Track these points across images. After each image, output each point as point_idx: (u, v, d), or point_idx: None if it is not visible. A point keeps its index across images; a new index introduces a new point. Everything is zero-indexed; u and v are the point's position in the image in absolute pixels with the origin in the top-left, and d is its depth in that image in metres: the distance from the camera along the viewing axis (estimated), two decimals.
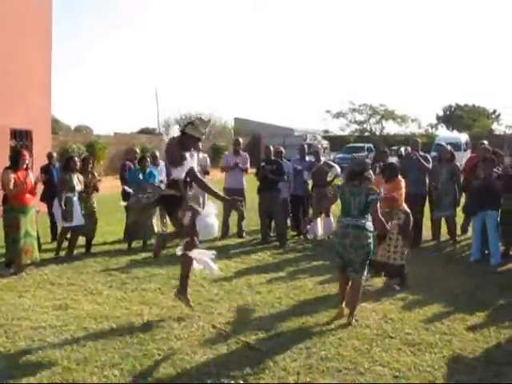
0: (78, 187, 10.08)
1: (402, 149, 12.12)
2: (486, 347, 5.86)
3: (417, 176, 10.93)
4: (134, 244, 11.04)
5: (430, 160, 11.50)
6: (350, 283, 6.74)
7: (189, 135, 6.54)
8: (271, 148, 12.19)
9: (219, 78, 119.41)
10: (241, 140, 13.04)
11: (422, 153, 11.55)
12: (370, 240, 6.59)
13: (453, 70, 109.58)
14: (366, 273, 6.76)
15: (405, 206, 8.40)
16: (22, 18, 15.90)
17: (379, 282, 8.39)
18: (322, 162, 12.19)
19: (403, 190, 8.45)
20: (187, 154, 6.52)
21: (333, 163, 12.69)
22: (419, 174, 11.07)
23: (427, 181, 11.41)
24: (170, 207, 6.72)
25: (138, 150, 12.44)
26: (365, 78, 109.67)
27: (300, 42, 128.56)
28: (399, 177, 8.56)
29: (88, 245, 10.67)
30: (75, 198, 10.04)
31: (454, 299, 7.58)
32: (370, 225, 6.60)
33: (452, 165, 10.92)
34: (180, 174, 6.49)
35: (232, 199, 7.05)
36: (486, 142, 12.62)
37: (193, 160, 6.60)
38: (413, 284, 8.21)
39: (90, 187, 10.49)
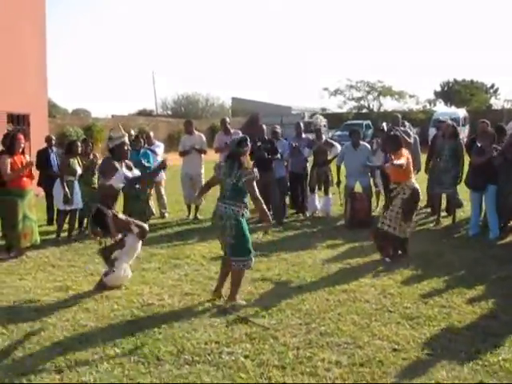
0: (79, 171, 10.18)
1: (384, 124, 12.16)
2: (483, 319, 5.91)
3: None
4: None
5: (412, 135, 11.74)
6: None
7: (115, 147, 7.03)
8: (264, 127, 12.20)
9: (216, 58, 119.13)
10: (227, 119, 12.96)
11: (402, 128, 11.76)
12: (237, 223, 6.36)
13: (450, 44, 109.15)
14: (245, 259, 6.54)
15: (413, 182, 8.31)
16: (15, 4, 15.80)
17: (376, 256, 8.45)
18: (322, 141, 12.15)
19: (409, 163, 8.34)
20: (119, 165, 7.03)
21: (334, 142, 12.64)
22: None
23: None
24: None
25: (133, 133, 12.40)
26: (362, 55, 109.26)
27: (297, 20, 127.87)
28: (403, 149, 8.47)
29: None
30: (76, 182, 10.15)
31: (453, 273, 7.63)
32: (237, 209, 6.40)
33: (455, 141, 10.84)
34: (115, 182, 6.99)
35: None
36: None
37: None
38: (411, 258, 8.26)
39: (91, 169, 10.57)
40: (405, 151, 8.40)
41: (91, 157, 10.73)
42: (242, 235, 6.39)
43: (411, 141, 11.38)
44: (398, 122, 12.08)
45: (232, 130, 12.51)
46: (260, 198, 6.43)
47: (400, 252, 8.36)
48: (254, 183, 6.39)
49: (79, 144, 10.49)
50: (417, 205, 8.40)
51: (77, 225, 10.63)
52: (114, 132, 7.11)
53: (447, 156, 10.68)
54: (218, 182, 6.67)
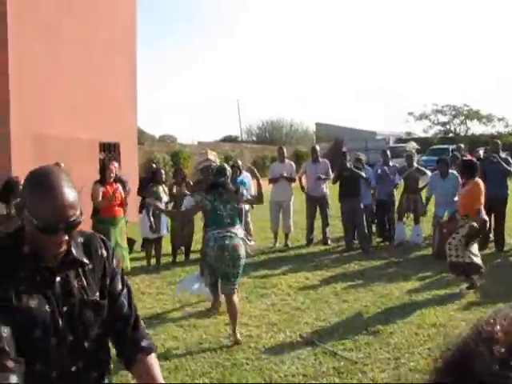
0: (165, 198, 10.40)
1: (481, 151, 11.77)
2: None
3: (498, 178, 10.63)
4: None
5: None
6: (226, 298, 6.54)
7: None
8: (344, 150, 12.09)
9: (300, 83, 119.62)
10: (318, 147, 12.88)
11: (503, 155, 11.23)
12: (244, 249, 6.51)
13: None
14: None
15: (483, 214, 8.03)
16: (108, 40, 16.48)
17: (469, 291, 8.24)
18: (413, 168, 11.96)
19: (482, 196, 8.11)
20: None
21: (425, 170, 12.36)
22: (500, 177, 10.74)
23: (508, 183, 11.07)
24: None
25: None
26: (447, 79, 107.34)
27: (381, 45, 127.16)
28: (477, 179, 8.26)
29: (187, 251, 10.98)
30: None
31: None
32: (242, 232, 6.58)
33: None
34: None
35: None
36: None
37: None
38: (503, 291, 7.97)
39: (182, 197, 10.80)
40: (479, 182, 8.22)
41: (183, 185, 10.94)
42: (242, 265, 6.52)
43: (511, 168, 10.98)
44: (498, 148, 11.33)
45: (320, 159, 12.49)
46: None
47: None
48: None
49: (163, 172, 10.75)
50: (480, 234, 8.16)
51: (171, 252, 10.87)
52: (199, 156, 7.52)
53: None
54: (198, 211, 7.00)
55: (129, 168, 16.25)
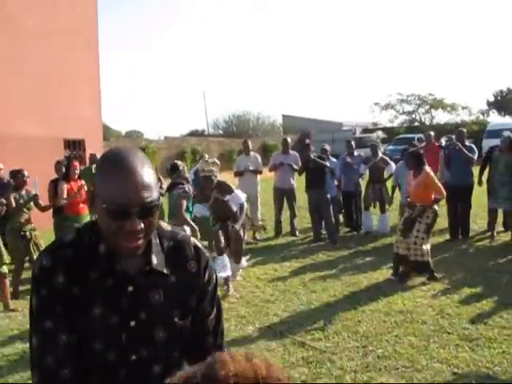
0: None
1: (443, 139, 11.76)
2: None
3: (461, 166, 10.69)
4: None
5: (476, 150, 11.14)
6: None
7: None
8: (307, 142, 12.18)
9: (266, 76, 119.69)
10: (289, 139, 12.93)
11: (467, 143, 11.24)
12: None
13: (503, 52, 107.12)
14: None
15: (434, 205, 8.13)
16: (69, 33, 16.28)
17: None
18: (378, 158, 12.00)
19: (435, 183, 8.15)
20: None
21: (389, 160, 12.32)
22: (464, 164, 10.77)
23: (472, 171, 11.09)
24: None
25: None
26: (412, 68, 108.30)
27: (346, 35, 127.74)
28: (426, 167, 8.21)
29: None
30: None
31: None
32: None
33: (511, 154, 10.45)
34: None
35: None
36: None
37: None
38: (469, 277, 8.12)
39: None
40: (428, 171, 8.20)
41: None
42: None
43: (474, 157, 10.90)
44: (463, 136, 11.17)
45: (290, 151, 12.49)
46: (184, 217, 7.10)
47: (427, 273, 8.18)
48: (184, 202, 7.02)
49: None
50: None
51: None
52: (204, 163, 7.74)
53: (502, 170, 10.38)
54: None
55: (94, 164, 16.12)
